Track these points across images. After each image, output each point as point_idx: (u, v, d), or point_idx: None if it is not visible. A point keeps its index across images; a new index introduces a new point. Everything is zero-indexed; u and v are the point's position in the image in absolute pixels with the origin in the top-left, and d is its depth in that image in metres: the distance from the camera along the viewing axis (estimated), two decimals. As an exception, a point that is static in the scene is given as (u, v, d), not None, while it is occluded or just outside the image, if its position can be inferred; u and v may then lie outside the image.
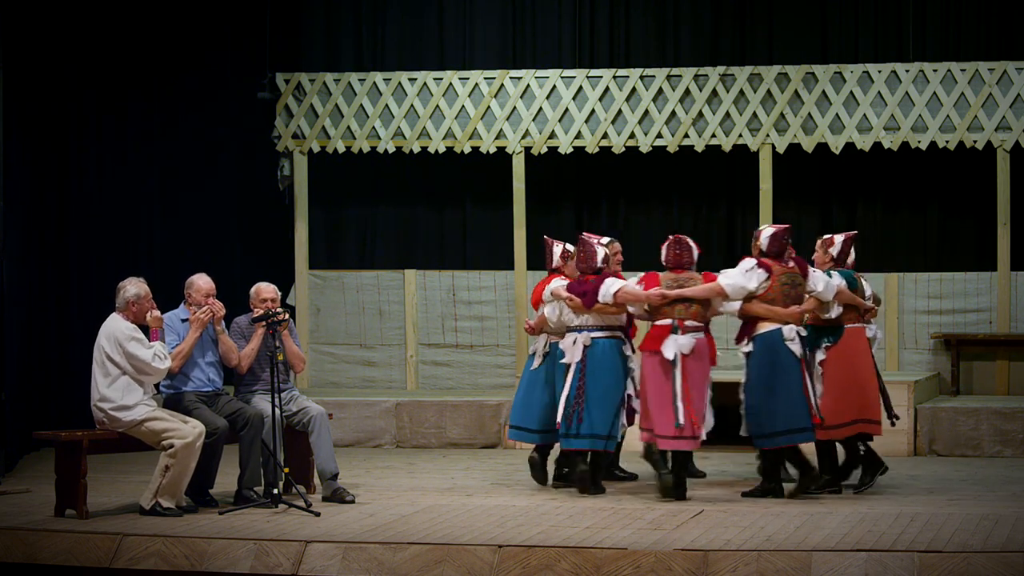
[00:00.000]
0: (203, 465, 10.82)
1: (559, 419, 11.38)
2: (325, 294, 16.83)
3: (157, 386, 10.99)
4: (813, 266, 11.62)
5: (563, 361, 11.44)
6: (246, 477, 11.06)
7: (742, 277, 11.21)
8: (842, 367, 11.38)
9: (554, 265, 11.92)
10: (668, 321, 11.18)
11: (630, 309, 11.42)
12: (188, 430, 10.65)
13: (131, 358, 10.62)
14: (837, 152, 15.92)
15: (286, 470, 10.98)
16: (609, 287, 11.30)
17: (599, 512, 10.64)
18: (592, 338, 11.38)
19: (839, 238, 11.71)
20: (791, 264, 11.35)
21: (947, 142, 15.66)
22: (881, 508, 10.69)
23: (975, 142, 15.61)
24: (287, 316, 11.36)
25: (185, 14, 15.90)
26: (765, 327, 11.18)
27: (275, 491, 10.86)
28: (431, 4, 16.99)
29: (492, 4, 16.87)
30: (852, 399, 11.37)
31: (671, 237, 11.52)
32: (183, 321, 11.13)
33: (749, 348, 11.23)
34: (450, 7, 16.96)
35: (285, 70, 16.73)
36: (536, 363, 11.89)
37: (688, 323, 11.20)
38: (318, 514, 10.53)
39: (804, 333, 11.25)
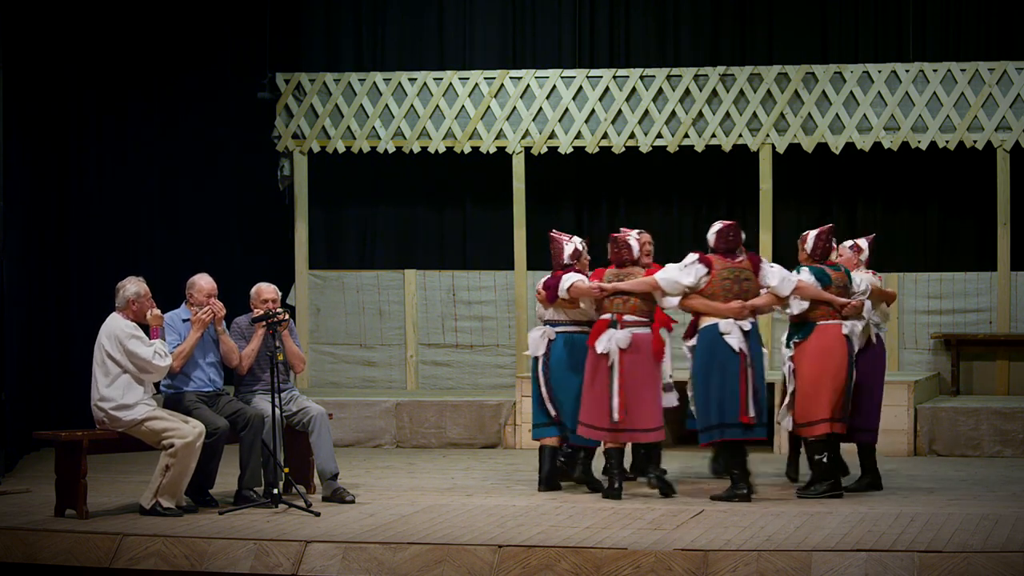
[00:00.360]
0: (203, 465, 10.82)
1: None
2: (325, 294, 16.83)
3: (157, 385, 10.99)
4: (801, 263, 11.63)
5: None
6: (246, 477, 11.06)
7: (678, 272, 11.29)
8: (812, 364, 11.30)
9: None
10: (608, 316, 11.29)
11: (581, 304, 11.50)
12: (188, 430, 10.65)
13: (132, 356, 10.62)
14: (837, 152, 15.92)
15: (286, 470, 10.98)
16: (564, 283, 11.43)
17: (599, 512, 10.64)
18: (556, 333, 11.57)
19: (812, 233, 11.62)
20: (740, 259, 11.33)
21: (947, 142, 15.66)
22: (881, 508, 10.69)
23: (975, 142, 15.60)
24: (287, 316, 11.36)
25: (185, 14, 15.90)
26: (705, 322, 11.23)
27: (275, 491, 10.86)
28: (431, 4, 16.99)
29: (492, 4, 16.87)
30: (822, 398, 11.27)
31: (611, 236, 11.68)
32: (184, 321, 11.13)
33: (693, 343, 11.31)
34: (450, 7, 16.96)
35: (285, 70, 16.73)
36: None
37: (627, 317, 11.26)
38: (318, 514, 10.53)
39: (747, 327, 11.18)
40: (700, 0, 16.56)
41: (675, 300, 11.31)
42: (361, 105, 16.60)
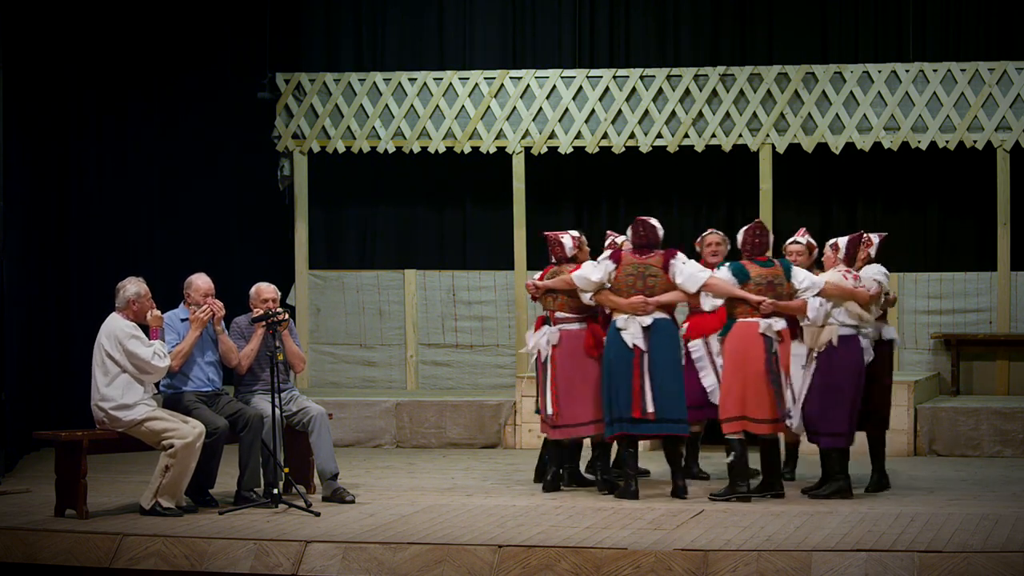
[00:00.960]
0: (203, 465, 10.82)
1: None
2: (325, 294, 16.83)
3: (157, 385, 10.99)
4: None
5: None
6: (246, 478, 11.06)
7: (589, 268, 11.41)
8: (731, 361, 11.30)
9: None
10: (544, 313, 11.66)
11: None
12: (188, 430, 10.65)
13: (131, 356, 10.62)
14: (837, 152, 15.92)
15: (286, 470, 10.98)
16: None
17: (599, 512, 10.64)
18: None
19: (742, 230, 11.60)
20: (651, 255, 11.35)
21: (947, 142, 15.66)
22: (881, 508, 10.69)
23: (975, 142, 15.61)
24: (287, 316, 11.35)
25: (185, 14, 15.90)
26: (613, 317, 11.36)
27: (275, 491, 10.86)
28: (431, 4, 16.99)
29: (492, 4, 16.87)
30: (735, 395, 11.23)
31: (544, 234, 11.90)
32: (183, 321, 11.13)
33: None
34: (450, 7, 16.96)
35: (285, 70, 16.73)
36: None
37: (558, 314, 11.56)
38: (318, 514, 10.53)
39: (647, 323, 11.20)
40: (700, 0, 16.56)
41: (590, 295, 11.42)
42: (361, 105, 16.60)
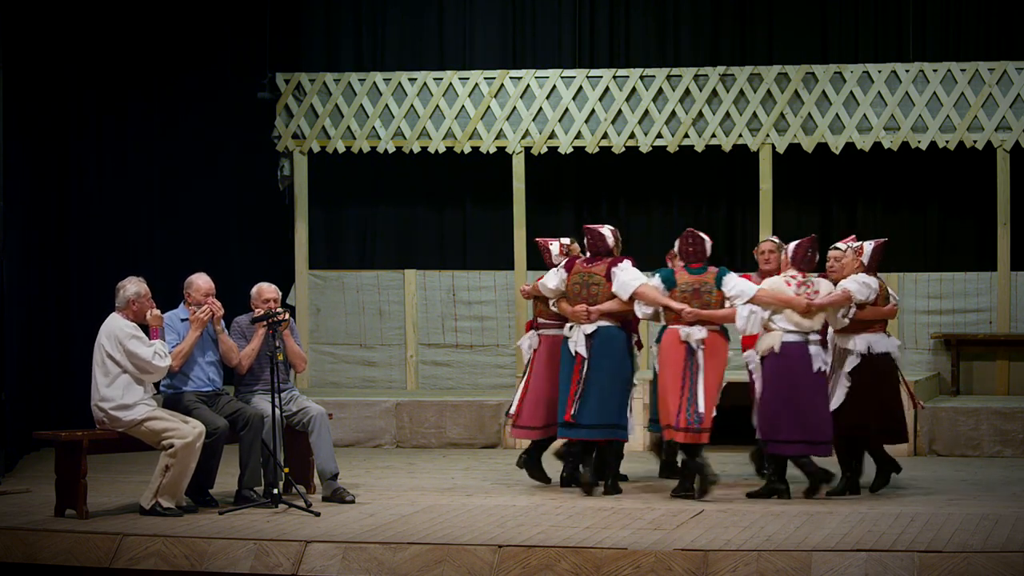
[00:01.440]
0: (203, 465, 10.82)
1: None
2: (325, 294, 16.83)
3: (157, 385, 10.99)
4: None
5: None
6: (246, 477, 11.05)
7: (548, 276, 11.60)
8: (660, 368, 11.36)
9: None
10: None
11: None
12: (188, 430, 10.65)
13: (131, 356, 10.62)
14: (837, 152, 15.92)
15: (286, 470, 10.98)
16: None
17: (599, 512, 10.64)
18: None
19: (678, 239, 11.57)
20: (597, 264, 11.40)
21: (947, 142, 15.67)
22: (881, 508, 10.69)
23: (975, 142, 15.61)
24: (288, 316, 11.35)
25: (185, 14, 15.90)
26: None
27: (275, 491, 10.86)
28: (431, 4, 17.00)
29: (492, 4, 16.87)
30: (664, 402, 11.27)
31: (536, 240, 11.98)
32: (183, 320, 11.13)
33: None
34: (450, 7, 16.97)
35: (285, 70, 16.74)
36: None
37: (540, 320, 11.85)
38: (318, 514, 10.53)
39: (589, 330, 11.30)
40: (700, 0, 16.57)
41: (552, 303, 11.62)
42: (361, 105, 16.60)
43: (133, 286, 10.79)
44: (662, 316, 11.28)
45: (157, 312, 10.84)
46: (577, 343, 11.36)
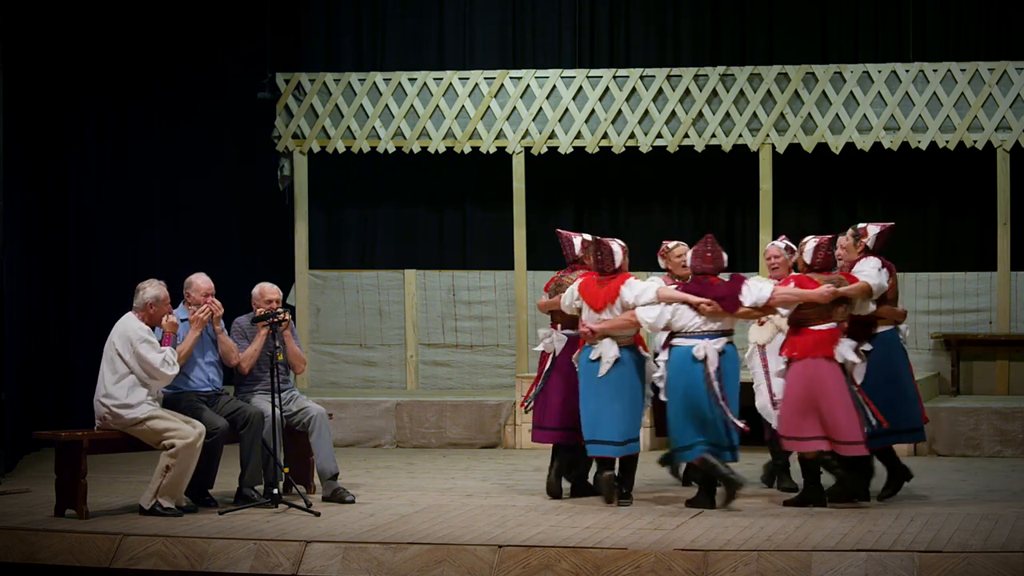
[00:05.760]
0: (203, 465, 10.82)
1: (745, 426, 10.66)
2: (325, 294, 16.84)
3: (157, 386, 11.00)
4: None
5: (707, 368, 10.67)
6: (247, 476, 11.06)
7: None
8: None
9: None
10: (831, 325, 10.72)
11: (781, 312, 10.85)
12: (189, 430, 10.65)
13: (140, 360, 10.63)
14: (837, 152, 15.93)
15: (286, 470, 10.98)
16: (761, 290, 10.70)
17: (599, 512, 10.64)
18: (724, 344, 10.75)
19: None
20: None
21: (947, 142, 15.67)
22: (881, 508, 10.69)
23: (975, 142, 15.61)
24: (288, 316, 11.35)
25: (185, 14, 15.90)
26: None
27: (275, 491, 10.86)
28: (431, 4, 17.00)
29: (492, 4, 16.88)
30: None
31: (820, 239, 11.05)
32: (182, 321, 11.13)
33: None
34: (450, 7, 16.97)
35: (285, 70, 16.74)
36: (605, 369, 10.90)
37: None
38: (318, 514, 10.53)
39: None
40: (700, 0, 16.57)
41: (874, 306, 11.02)
42: (361, 105, 16.61)
43: (153, 289, 10.77)
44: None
45: (173, 319, 10.83)
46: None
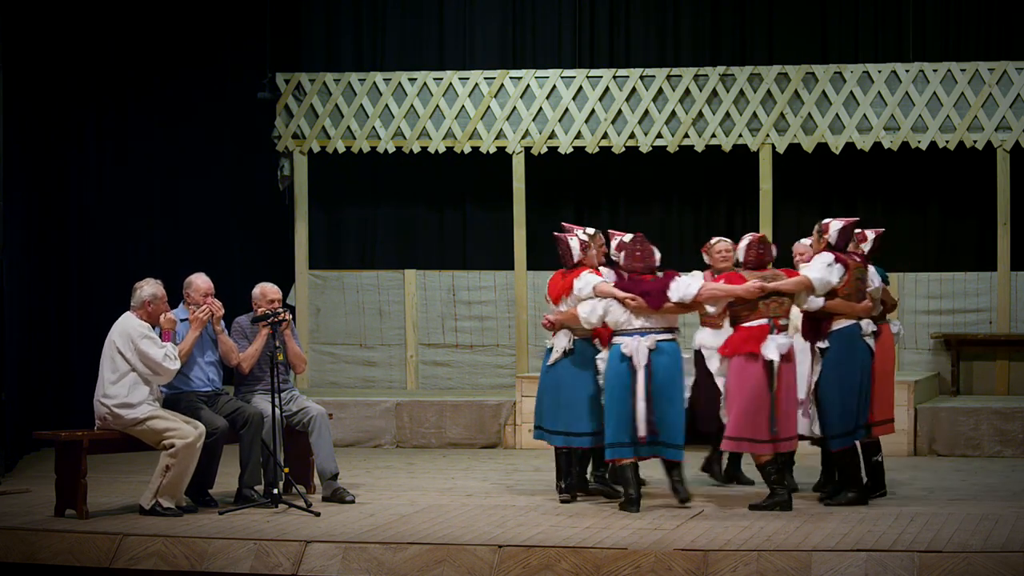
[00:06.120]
0: (203, 465, 10.83)
1: (642, 431, 10.62)
2: (325, 294, 16.83)
3: (158, 386, 10.99)
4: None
5: (633, 364, 10.68)
6: (247, 475, 11.06)
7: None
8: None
9: (576, 259, 11.18)
10: (765, 321, 10.72)
11: (709, 309, 10.88)
12: (189, 430, 10.65)
13: (143, 356, 10.63)
14: (837, 152, 15.92)
15: (286, 470, 10.98)
16: (689, 286, 10.74)
17: (599, 512, 10.64)
18: (657, 341, 10.74)
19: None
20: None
21: (947, 142, 15.67)
22: (881, 508, 10.68)
23: (975, 142, 15.61)
24: (288, 316, 11.35)
25: (185, 14, 15.90)
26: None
27: (275, 491, 10.86)
28: (431, 4, 17.00)
29: (492, 4, 16.87)
30: None
31: (753, 236, 11.11)
32: (182, 320, 11.13)
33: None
34: (450, 7, 16.97)
35: (285, 70, 16.74)
36: (553, 359, 11.12)
37: (782, 321, 10.82)
38: (318, 514, 10.53)
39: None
40: (700, 0, 16.57)
41: (821, 301, 10.74)
42: (361, 105, 16.61)
43: (150, 288, 10.80)
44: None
45: (171, 315, 10.85)
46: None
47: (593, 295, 10.90)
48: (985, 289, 15.84)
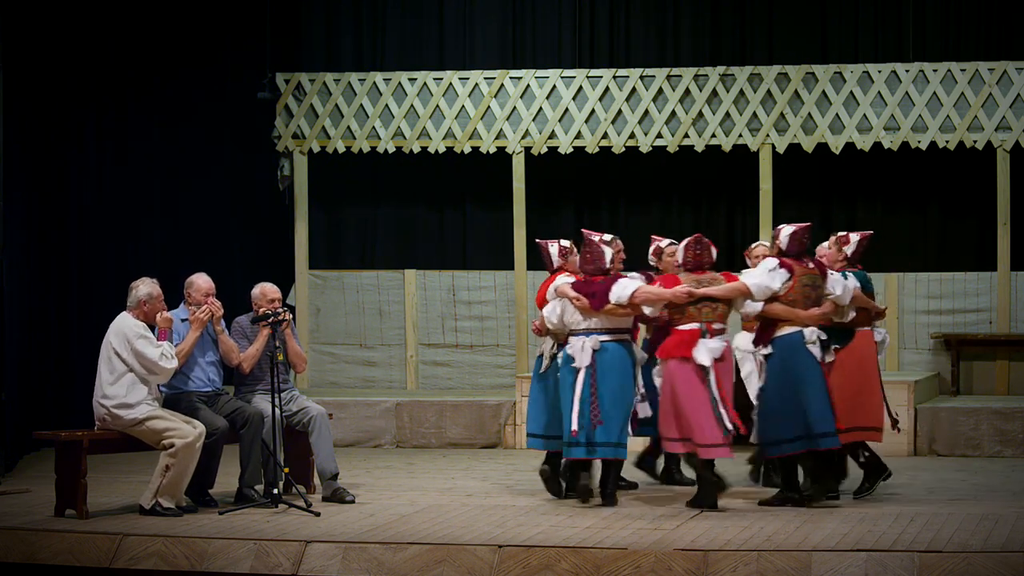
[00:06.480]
0: (203, 465, 10.83)
1: (573, 427, 10.73)
2: (325, 294, 16.83)
3: (157, 386, 10.98)
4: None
5: (573, 365, 10.83)
6: (247, 475, 11.06)
7: (768, 278, 10.86)
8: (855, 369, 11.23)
9: (555, 265, 11.35)
10: (696, 325, 10.74)
11: (646, 310, 10.90)
12: (189, 430, 10.65)
13: (139, 356, 10.63)
14: (837, 152, 15.93)
15: (286, 470, 10.98)
16: (625, 288, 10.79)
17: (599, 512, 10.63)
18: (600, 342, 10.83)
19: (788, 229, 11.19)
20: (811, 264, 11.02)
21: (947, 142, 15.67)
22: (881, 508, 10.69)
23: (975, 142, 15.61)
24: (288, 316, 11.35)
25: (185, 14, 15.90)
26: (784, 330, 10.97)
27: (275, 491, 10.86)
28: (431, 4, 17.00)
29: (492, 4, 16.88)
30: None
31: (692, 238, 11.07)
32: (183, 321, 11.14)
33: (768, 351, 11.02)
34: (450, 7, 16.97)
35: (285, 70, 16.74)
36: (544, 366, 11.30)
37: (716, 326, 10.78)
38: (318, 514, 10.53)
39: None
40: (700, 0, 16.57)
41: (759, 306, 10.75)
42: (361, 105, 16.61)
43: (145, 287, 10.80)
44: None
45: (167, 314, 10.85)
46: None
47: (556, 296, 11.10)
48: (985, 289, 15.84)
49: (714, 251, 11.03)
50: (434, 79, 16.53)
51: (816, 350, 10.75)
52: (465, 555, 9.34)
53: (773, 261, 10.85)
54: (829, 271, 11.02)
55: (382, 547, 9.50)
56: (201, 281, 11.21)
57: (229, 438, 11.08)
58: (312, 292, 16.83)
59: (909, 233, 16.26)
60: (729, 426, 10.59)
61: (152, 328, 10.79)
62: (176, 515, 10.54)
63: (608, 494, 10.94)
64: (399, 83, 16.56)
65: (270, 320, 11.20)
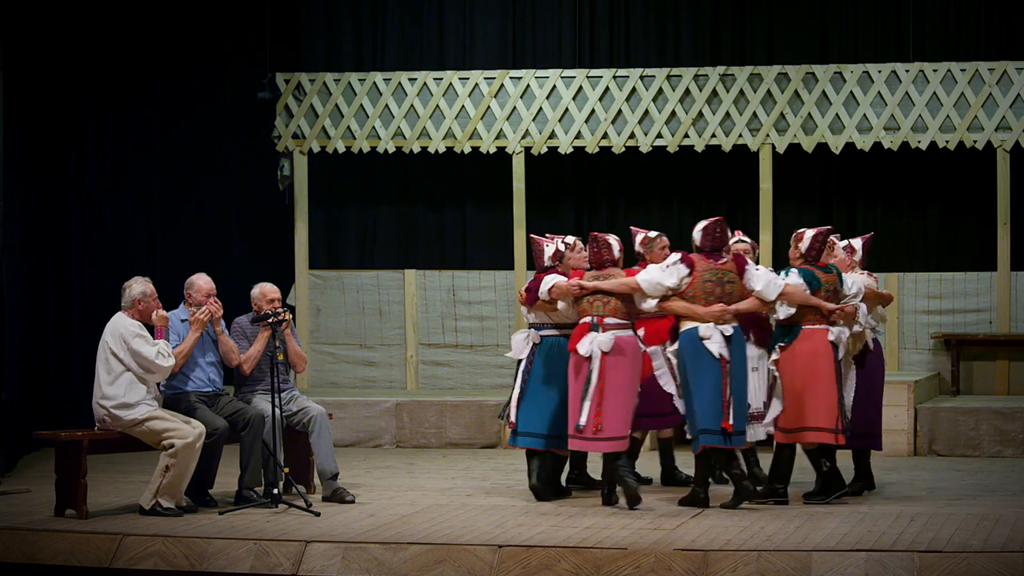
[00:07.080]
0: (203, 465, 10.83)
1: (511, 417, 11.37)
2: (325, 294, 16.84)
3: (158, 385, 10.99)
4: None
5: (519, 358, 11.62)
6: (247, 477, 11.06)
7: (659, 273, 11.02)
8: (799, 370, 11.01)
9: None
10: (588, 319, 10.93)
11: (560, 306, 11.06)
12: (189, 430, 10.65)
13: (136, 355, 10.64)
14: (837, 152, 15.93)
15: (286, 470, 10.98)
16: (545, 284, 11.14)
17: (599, 512, 10.64)
18: (541, 336, 11.33)
19: (809, 232, 11.16)
20: (724, 260, 11.03)
21: (947, 142, 15.67)
22: (881, 508, 10.69)
23: (975, 142, 15.61)
24: (288, 316, 11.35)
25: (185, 14, 15.90)
26: (686, 325, 11.01)
27: (275, 491, 10.86)
28: (431, 4, 17.00)
29: (492, 4, 16.88)
30: (810, 405, 10.89)
31: (591, 235, 11.22)
32: (183, 321, 11.14)
33: (676, 347, 11.16)
34: (450, 7, 16.97)
35: (285, 70, 16.74)
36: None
37: (608, 320, 10.88)
38: (318, 514, 10.53)
39: (728, 332, 10.79)
40: (700, 0, 16.57)
41: (654, 302, 10.83)
42: (361, 105, 16.61)
43: (139, 286, 10.81)
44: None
45: (163, 313, 10.85)
46: (721, 346, 10.64)
47: None
48: (985, 289, 15.84)
49: (616, 250, 11.11)
50: (434, 79, 16.53)
51: (714, 346, 10.71)
52: (465, 555, 9.34)
53: (674, 257, 11.00)
54: (749, 265, 11.01)
55: (382, 547, 9.50)
56: (201, 281, 11.21)
57: (229, 439, 11.08)
58: (312, 292, 16.83)
59: (909, 233, 16.26)
60: (583, 421, 10.78)
61: (149, 327, 10.79)
62: (176, 515, 10.54)
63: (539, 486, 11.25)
64: (399, 83, 16.56)
65: (270, 320, 11.20)
